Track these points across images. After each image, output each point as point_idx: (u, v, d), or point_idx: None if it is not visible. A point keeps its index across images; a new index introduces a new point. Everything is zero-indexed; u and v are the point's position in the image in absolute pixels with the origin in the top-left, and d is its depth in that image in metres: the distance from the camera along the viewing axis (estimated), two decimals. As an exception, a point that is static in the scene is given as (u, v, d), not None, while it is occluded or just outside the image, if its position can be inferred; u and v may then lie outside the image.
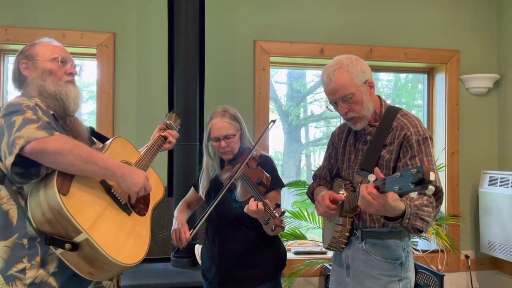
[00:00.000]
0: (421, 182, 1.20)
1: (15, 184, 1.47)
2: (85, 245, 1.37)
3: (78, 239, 1.37)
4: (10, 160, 1.37)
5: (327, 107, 1.93)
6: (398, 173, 1.30)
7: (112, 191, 1.55)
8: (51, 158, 1.39)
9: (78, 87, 1.70)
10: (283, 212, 1.82)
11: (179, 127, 2.16)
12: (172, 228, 2.07)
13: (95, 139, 1.82)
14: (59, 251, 1.39)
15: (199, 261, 2.55)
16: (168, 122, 2.07)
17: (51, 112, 1.56)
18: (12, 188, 1.47)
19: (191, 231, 1.98)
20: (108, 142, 1.71)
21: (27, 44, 1.69)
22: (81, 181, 1.46)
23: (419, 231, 1.64)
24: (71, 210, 1.36)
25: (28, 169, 1.42)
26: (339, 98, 1.81)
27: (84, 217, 1.39)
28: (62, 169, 1.41)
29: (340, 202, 1.84)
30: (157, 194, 1.80)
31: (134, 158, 1.76)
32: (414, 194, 1.59)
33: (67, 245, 1.37)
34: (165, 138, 1.99)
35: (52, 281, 1.48)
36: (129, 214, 1.59)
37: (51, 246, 1.39)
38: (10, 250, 1.47)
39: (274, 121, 2.06)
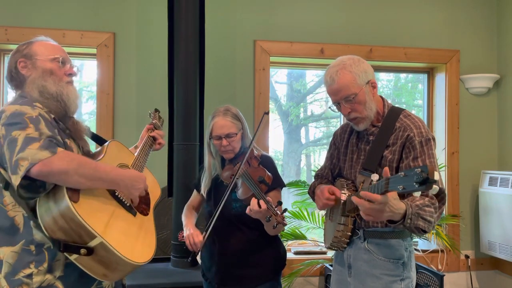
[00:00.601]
0: (426, 182, 1.20)
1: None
2: (100, 249, 1.39)
3: (92, 243, 1.38)
4: (16, 180, 1.35)
5: (329, 107, 1.93)
6: (402, 173, 1.30)
7: (117, 194, 1.57)
8: (57, 178, 1.38)
9: (76, 88, 1.69)
10: (285, 210, 1.81)
11: (162, 126, 2.16)
12: (184, 234, 2.06)
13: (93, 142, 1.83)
14: (73, 257, 1.39)
15: (199, 261, 2.55)
16: (154, 121, 2.07)
17: (52, 116, 1.53)
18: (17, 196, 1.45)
19: (204, 234, 1.96)
20: (104, 146, 1.71)
21: (23, 43, 1.64)
22: None
23: (422, 231, 1.64)
24: (83, 216, 1.37)
25: (34, 181, 1.39)
26: (342, 98, 1.81)
27: (96, 221, 1.40)
28: (68, 186, 1.40)
29: (342, 200, 1.84)
30: (155, 193, 1.84)
31: (129, 161, 1.78)
32: (417, 194, 1.59)
33: (83, 250, 1.37)
34: (154, 138, 2.00)
35: (59, 284, 1.48)
36: (134, 215, 1.62)
37: (65, 253, 1.39)
38: (17, 256, 1.46)
39: (267, 113, 2.08)
